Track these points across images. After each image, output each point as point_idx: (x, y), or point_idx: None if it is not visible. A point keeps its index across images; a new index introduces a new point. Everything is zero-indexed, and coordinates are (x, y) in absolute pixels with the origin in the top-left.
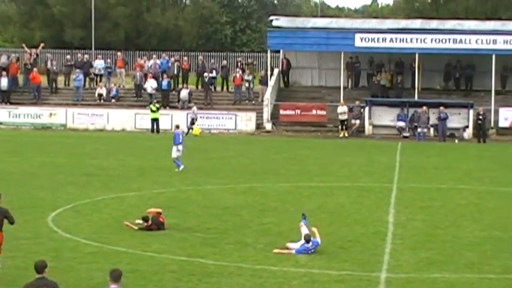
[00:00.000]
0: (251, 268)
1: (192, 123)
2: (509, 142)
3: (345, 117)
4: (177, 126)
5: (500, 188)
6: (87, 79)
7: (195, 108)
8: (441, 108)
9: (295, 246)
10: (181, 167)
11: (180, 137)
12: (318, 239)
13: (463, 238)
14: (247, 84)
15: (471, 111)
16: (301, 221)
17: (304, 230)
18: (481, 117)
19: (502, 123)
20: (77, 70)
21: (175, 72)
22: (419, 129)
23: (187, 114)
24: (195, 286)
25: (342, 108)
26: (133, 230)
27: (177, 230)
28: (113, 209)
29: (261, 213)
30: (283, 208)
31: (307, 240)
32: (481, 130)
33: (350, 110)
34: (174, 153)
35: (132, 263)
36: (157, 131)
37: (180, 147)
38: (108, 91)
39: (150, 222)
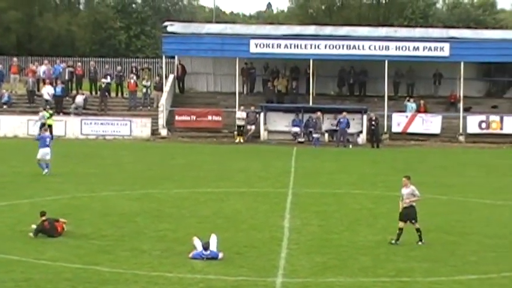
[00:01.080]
0: (147, 275)
1: (41, 128)
2: (402, 147)
3: (242, 122)
4: (46, 129)
5: (393, 192)
6: None
7: (44, 112)
8: (344, 113)
9: (198, 244)
10: (46, 170)
11: (48, 140)
12: (220, 255)
13: (357, 242)
14: (144, 90)
15: (365, 117)
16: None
17: (213, 241)
18: (373, 122)
19: (395, 128)
20: None
21: (67, 78)
22: (314, 135)
23: (36, 119)
24: None
25: (240, 114)
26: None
27: (72, 237)
28: (5, 217)
29: (157, 219)
30: (179, 214)
31: (205, 248)
32: (374, 135)
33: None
34: (40, 155)
35: (26, 271)
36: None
37: (47, 150)
38: (0, 97)
39: (45, 217)
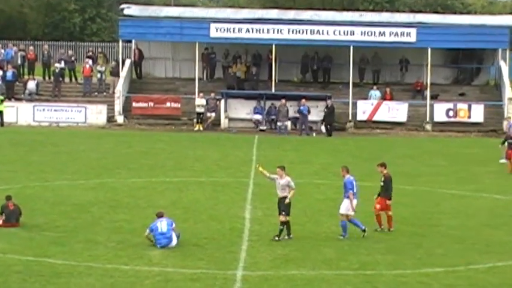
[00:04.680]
0: (102, 267)
1: None
2: (367, 135)
3: (202, 109)
4: None
5: (358, 182)
6: None
7: None
8: (303, 100)
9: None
10: None
11: None
12: (174, 241)
13: (320, 234)
14: (99, 75)
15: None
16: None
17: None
18: (326, 110)
19: (360, 116)
20: None
21: (20, 62)
22: (279, 123)
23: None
24: (42, 287)
25: (200, 101)
26: None
27: (24, 229)
28: None
29: (113, 209)
30: (135, 204)
31: (159, 216)
32: (324, 122)
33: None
34: None
35: None
36: (2, 124)
37: None
38: None
39: (12, 202)
